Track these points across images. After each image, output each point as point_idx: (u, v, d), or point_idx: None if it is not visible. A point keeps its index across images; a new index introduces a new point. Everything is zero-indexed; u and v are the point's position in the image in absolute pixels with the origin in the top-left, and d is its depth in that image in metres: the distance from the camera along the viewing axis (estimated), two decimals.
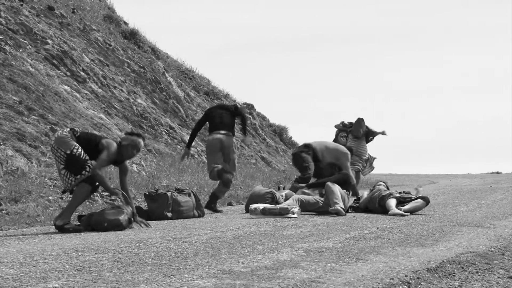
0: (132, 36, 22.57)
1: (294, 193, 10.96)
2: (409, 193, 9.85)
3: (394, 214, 8.99)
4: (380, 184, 10.25)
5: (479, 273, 4.80)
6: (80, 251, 5.65)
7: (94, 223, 7.61)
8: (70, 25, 19.05)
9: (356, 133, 14.99)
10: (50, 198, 10.06)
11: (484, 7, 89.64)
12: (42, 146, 12.16)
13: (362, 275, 4.48)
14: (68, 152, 7.62)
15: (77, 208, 8.04)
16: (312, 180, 11.22)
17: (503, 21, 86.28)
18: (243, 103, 26.38)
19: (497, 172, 36.73)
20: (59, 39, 17.51)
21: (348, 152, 12.59)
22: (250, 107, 26.52)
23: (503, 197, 12.88)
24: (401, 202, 9.43)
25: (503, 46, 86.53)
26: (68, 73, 16.64)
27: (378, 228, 7.35)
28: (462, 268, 4.94)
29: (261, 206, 9.29)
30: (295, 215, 8.93)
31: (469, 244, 6.05)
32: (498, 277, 4.69)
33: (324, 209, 9.50)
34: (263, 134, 25.13)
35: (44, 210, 9.39)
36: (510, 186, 17.09)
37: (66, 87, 15.86)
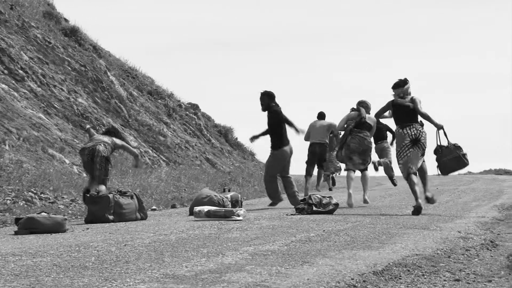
0: (73, 33, 22.14)
1: (239, 194, 10.94)
2: None
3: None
4: None
5: (425, 276, 4.80)
6: (17, 255, 5.49)
7: (32, 226, 7.40)
8: (8, 22, 18.57)
9: None
10: None
11: (433, 7, 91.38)
12: None
13: (308, 279, 4.44)
14: None
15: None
16: None
17: (454, 21, 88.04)
18: (187, 103, 26.20)
19: None
20: None
21: None
22: (195, 107, 26.36)
23: (449, 199, 13.02)
24: None
25: (463, 47, 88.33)
26: (5, 71, 16.22)
27: (324, 230, 7.32)
28: (408, 271, 4.93)
29: (205, 208, 9.20)
30: (240, 218, 8.85)
31: (415, 247, 6.05)
32: (444, 280, 4.69)
33: None
34: (208, 135, 25.00)
35: None
36: (456, 188, 17.36)
37: (3, 85, 15.45)
